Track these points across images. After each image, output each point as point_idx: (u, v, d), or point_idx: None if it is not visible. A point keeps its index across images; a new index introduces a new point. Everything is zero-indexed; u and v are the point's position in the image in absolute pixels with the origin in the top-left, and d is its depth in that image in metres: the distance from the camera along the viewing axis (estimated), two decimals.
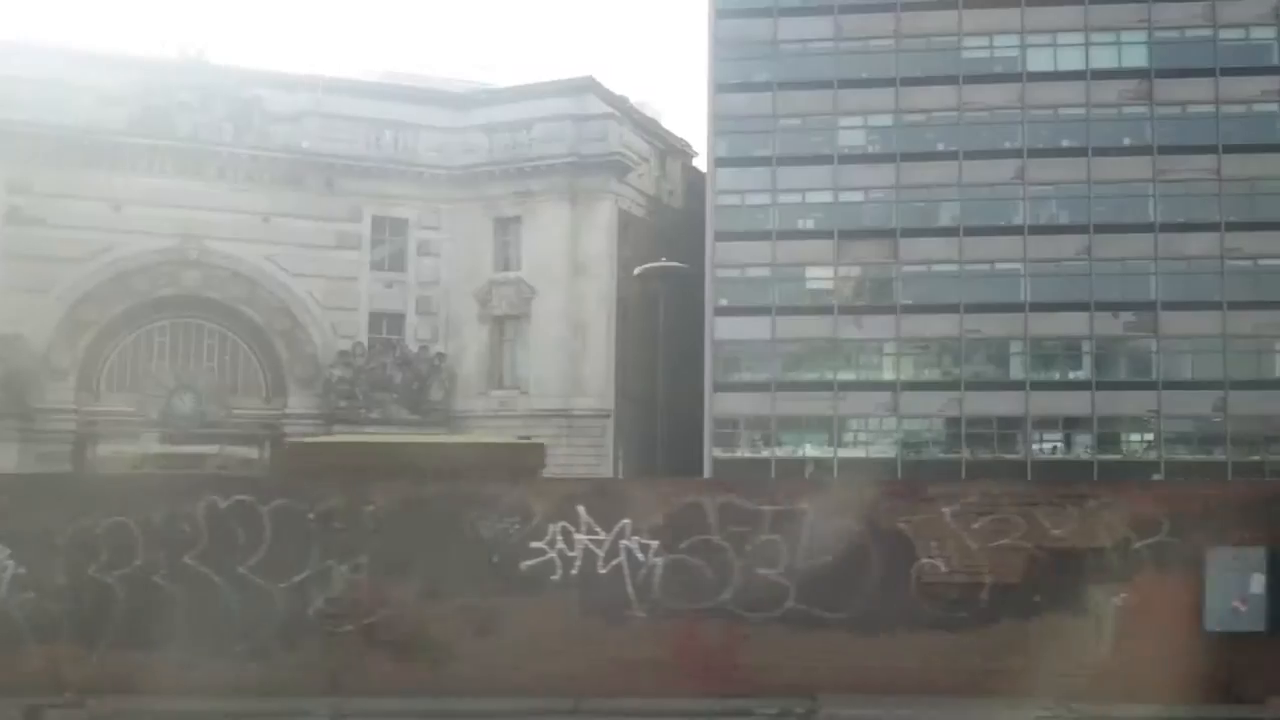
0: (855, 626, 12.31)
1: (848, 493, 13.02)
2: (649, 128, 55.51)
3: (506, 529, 12.25)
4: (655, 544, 12.35)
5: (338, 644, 12.04)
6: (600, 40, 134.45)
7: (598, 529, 12.33)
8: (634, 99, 55.97)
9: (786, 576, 12.38)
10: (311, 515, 12.17)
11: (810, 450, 48.93)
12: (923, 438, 48.68)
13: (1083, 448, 47.59)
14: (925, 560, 12.42)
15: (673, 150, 57.25)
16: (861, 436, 49.23)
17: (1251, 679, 12.18)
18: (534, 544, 12.29)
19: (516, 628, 12.22)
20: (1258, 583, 12.23)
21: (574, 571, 12.31)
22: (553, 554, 12.29)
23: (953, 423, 48.00)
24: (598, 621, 12.29)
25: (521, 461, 13.33)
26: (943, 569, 12.42)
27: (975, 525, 12.42)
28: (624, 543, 12.34)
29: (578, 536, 12.31)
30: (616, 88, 54.62)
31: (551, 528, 12.30)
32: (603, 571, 12.33)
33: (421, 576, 12.26)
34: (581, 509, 12.34)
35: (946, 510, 12.44)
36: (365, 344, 49.53)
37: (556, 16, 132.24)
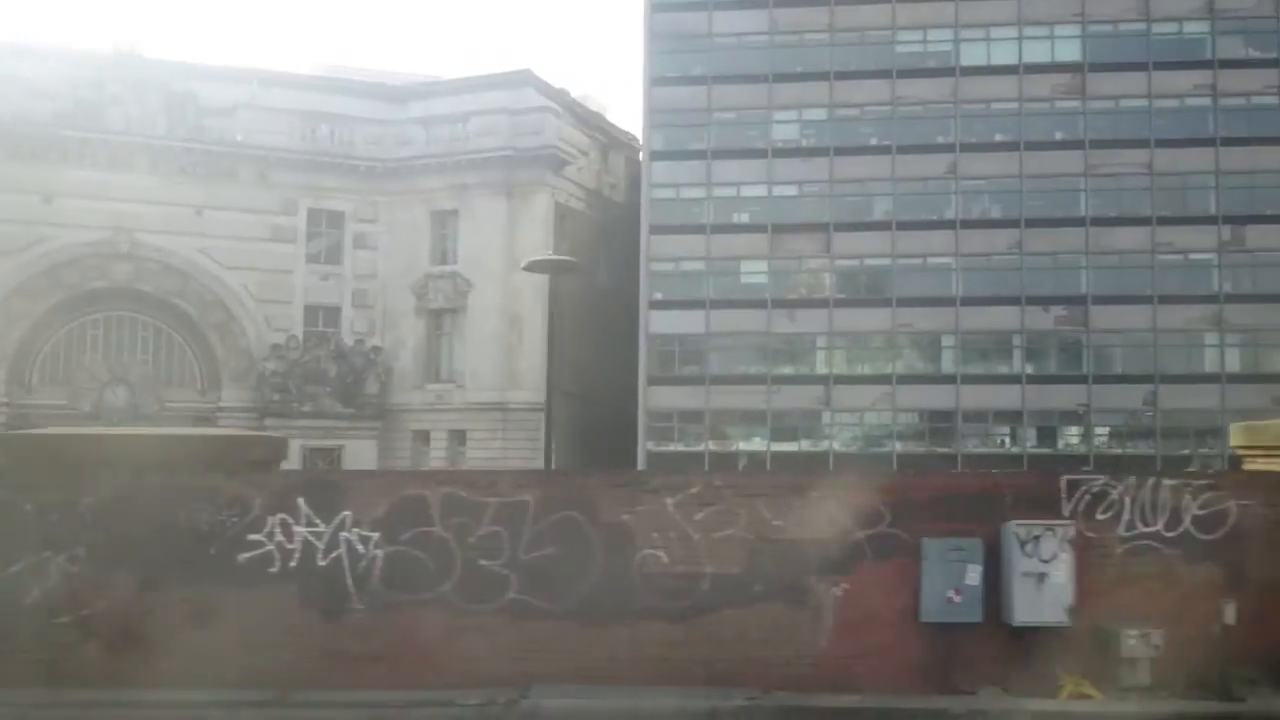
0: (576, 617, 12.33)
1: (571, 484, 13.04)
2: (591, 121, 55.48)
3: (224, 521, 12.26)
4: (376, 536, 12.34)
5: (53, 636, 12.07)
6: (546, 34, 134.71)
7: (317, 521, 12.32)
8: (577, 93, 56.01)
9: (509, 567, 12.39)
10: (28, 506, 12.20)
11: (757, 443, 49.02)
12: (855, 431, 48.71)
13: (1021, 441, 47.68)
14: (647, 551, 12.43)
15: (616, 144, 57.18)
16: (803, 430, 49.31)
17: (967, 670, 12.22)
18: (252, 536, 12.27)
19: (233, 620, 12.21)
20: (974, 574, 12.25)
21: (292, 564, 12.30)
22: (271, 546, 12.27)
23: (885, 416, 48.06)
24: (316, 614, 12.29)
25: (255, 455, 13.30)
26: (664, 559, 12.42)
27: (698, 516, 12.43)
28: (344, 534, 12.33)
29: (297, 529, 12.30)
30: (561, 82, 54.81)
31: (270, 520, 12.29)
32: (322, 564, 12.32)
33: (139, 569, 12.26)
34: (301, 501, 12.34)
35: (669, 501, 12.44)
36: (300, 337, 49.62)
37: (503, 10, 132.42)
